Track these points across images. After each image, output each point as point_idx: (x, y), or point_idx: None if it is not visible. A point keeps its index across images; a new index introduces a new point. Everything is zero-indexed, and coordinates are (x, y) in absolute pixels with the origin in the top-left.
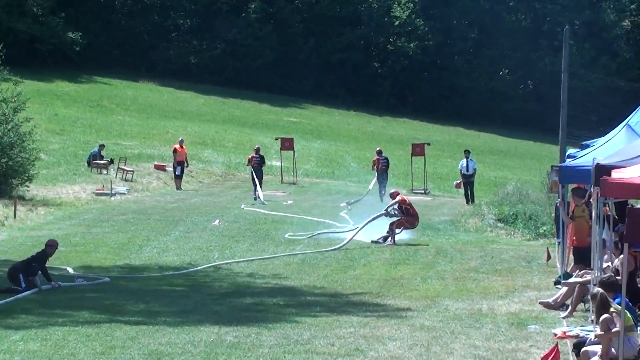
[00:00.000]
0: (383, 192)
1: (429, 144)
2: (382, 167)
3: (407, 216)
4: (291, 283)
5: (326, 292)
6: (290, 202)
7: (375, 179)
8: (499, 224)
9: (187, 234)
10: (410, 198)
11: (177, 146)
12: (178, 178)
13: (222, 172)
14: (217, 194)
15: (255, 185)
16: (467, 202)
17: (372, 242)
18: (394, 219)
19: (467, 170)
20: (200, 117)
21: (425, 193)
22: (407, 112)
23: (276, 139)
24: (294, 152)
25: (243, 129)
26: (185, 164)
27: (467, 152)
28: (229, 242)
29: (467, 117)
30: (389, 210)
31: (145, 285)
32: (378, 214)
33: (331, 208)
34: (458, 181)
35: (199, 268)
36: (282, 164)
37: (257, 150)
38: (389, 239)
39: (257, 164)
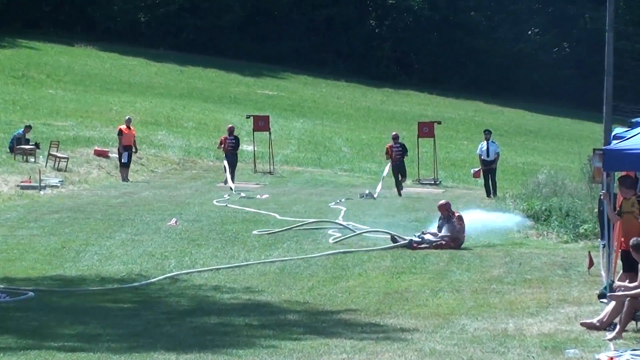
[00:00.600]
0: (401, 187)
1: (439, 123)
2: (396, 157)
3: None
4: (267, 298)
5: (311, 309)
6: (265, 196)
7: (388, 168)
8: (529, 222)
9: (136, 237)
10: (417, 190)
11: (123, 127)
12: (124, 167)
13: (180, 159)
14: (173, 187)
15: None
16: (488, 195)
17: (393, 239)
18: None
19: (488, 156)
20: (152, 90)
21: (435, 184)
22: (412, 82)
23: (248, 117)
24: (270, 133)
25: (206, 105)
26: (134, 149)
27: (487, 133)
28: (188, 246)
29: (487, 88)
30: (423, 237)
31: (84, 302)
32: (403, 237)
33: (317, 203)
34: (476, 169)
35: (151, 280)
36: (256, 149)
37: (231, 131)
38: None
39: (232, 147)
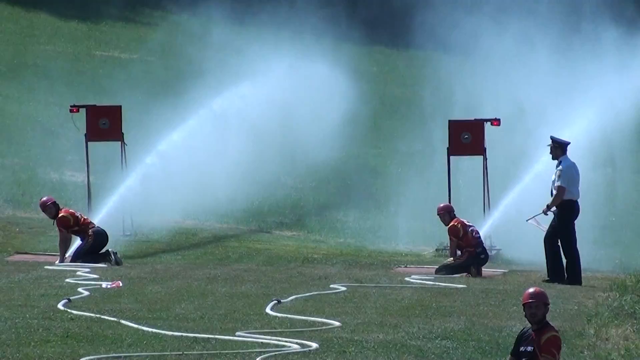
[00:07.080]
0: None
1: (496, 123)
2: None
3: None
4: None
5: None
6: (115, 283)
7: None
8: None
9: None
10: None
11: None
12: None
13: None
14: None
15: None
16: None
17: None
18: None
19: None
20: None
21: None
22: None
23: (73, 110)
24: (123, 144)
25: None
26: None
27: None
28: None
29: None
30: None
31: None
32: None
33: (230, 299)
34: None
35: None
36: (92, 179)
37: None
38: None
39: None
